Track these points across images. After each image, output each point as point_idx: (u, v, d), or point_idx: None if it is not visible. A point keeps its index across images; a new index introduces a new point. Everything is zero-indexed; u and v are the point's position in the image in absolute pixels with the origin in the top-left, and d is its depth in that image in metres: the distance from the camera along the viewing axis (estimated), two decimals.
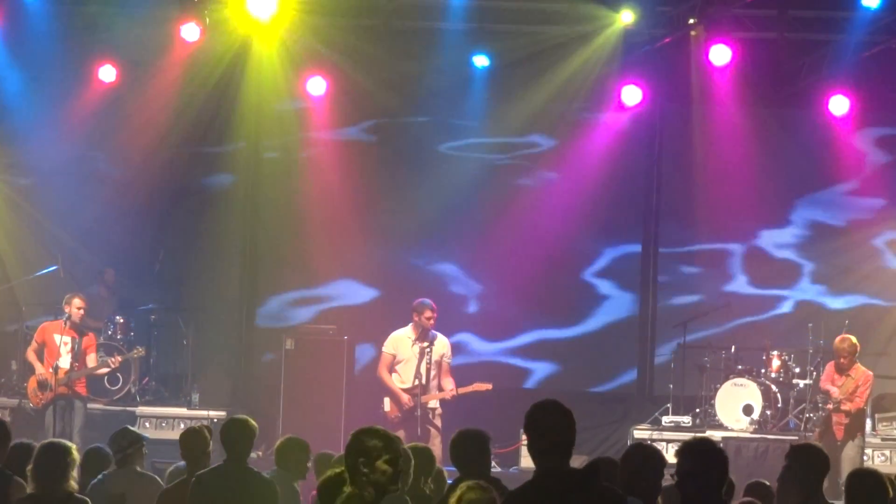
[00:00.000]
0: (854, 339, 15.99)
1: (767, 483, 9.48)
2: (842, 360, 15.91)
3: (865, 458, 16.42)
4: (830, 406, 15.94)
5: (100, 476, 10.01)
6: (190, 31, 17.56)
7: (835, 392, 15.88)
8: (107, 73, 18.80)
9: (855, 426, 15.87)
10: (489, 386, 15.69)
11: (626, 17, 18.32)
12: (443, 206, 19.85)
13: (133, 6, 18.16)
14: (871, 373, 16.02)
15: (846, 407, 15.77)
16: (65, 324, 16.41)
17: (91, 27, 18.50)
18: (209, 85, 19.18)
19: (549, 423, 6.55)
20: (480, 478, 7.73)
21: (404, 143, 20.15)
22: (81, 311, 16.47)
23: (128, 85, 18.95)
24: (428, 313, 15.53)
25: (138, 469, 10.21)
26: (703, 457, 6.74)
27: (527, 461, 14.61)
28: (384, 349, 15.82)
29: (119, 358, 17.04)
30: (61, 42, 18.46)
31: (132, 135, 19.21)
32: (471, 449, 8.54)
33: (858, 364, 15.99)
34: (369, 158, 20.13)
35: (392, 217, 19.95)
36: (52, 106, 18.91)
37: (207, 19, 17.53)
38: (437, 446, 15.00)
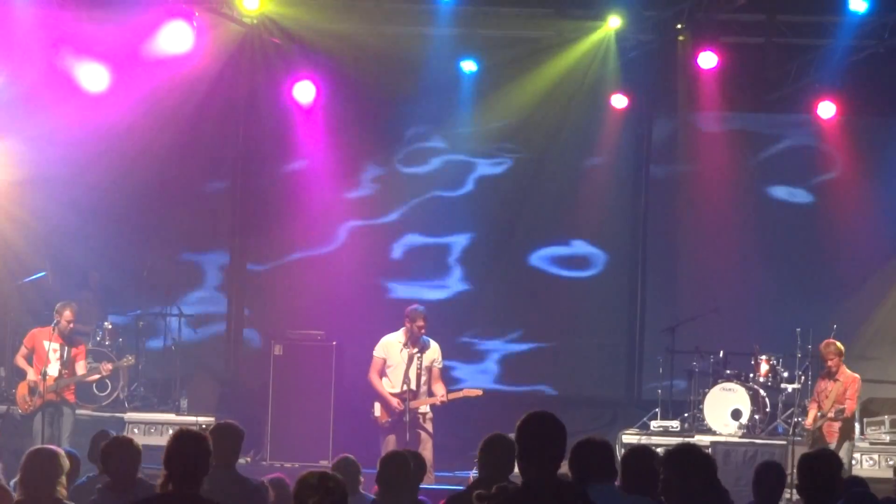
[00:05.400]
0: (838, 343, 15.96)
1: None
2: (827, 363, 15.92)
3: (854, 462, 16.42)
4: (812, 421, 15.89)
5: (83, 479, 9.95)
6: (179, 36, 17.51)
7: (809, 424, 15.94)
8: (95, 77, 18.75)
9: (846, 431, 15.82)
10: (479, 392, 15.65)
11: (613, 23, 18.35)
12: (433, 211, 19.95)
13: (121, 10, 18.14)
14: (857, 376, 15.99)
15: (833, 414, 15.73)
16: (53, 330, 16.38)
17: (80, 31, 18.48)
18: (197, 90, 19.17)
19: (541, 435, 6.52)
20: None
21: (393, 146, 20.18)
22: (71, 325, 16.41)
23: (116, 89, 18.90)
24: (420, 322, 15.50)
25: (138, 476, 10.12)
26: (682, 463, 6.72)
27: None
28: (375, 353, 15.77)
29: (109, 366, 16.98)
30: (51, 45, 18.42)
31: (121, 139, 19.18)
32: (501, 454, 8.54)
33: (845, 367, 15.95)
34: (360, 162, 20.18)
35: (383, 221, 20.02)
36: (39, 111, 18.86)
37: (195, 24, 17.50)
38: (428, 450, 15.00)
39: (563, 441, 6.54)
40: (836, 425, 15.76)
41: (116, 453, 8.62)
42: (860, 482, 9.09)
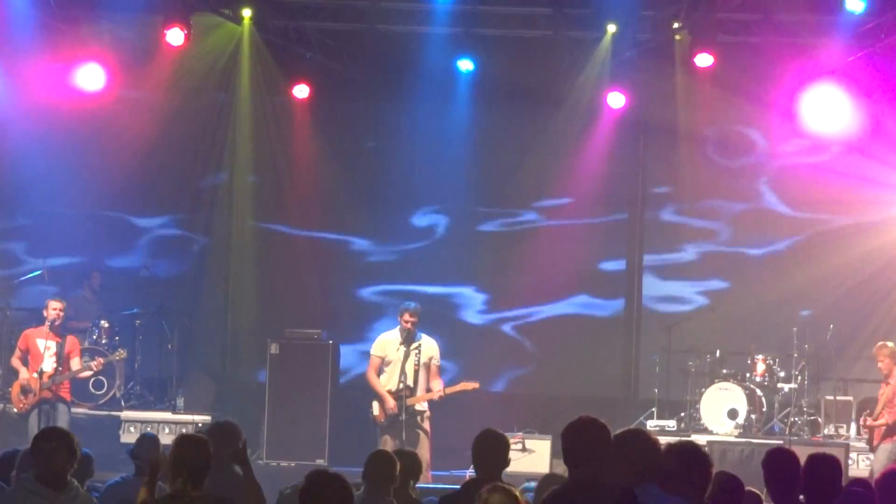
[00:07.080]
0: (890, 344, 15.87)
1: (757, 492, 9.42)
2: (879, 364, 15.89)
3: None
4: (869, 422, 15.86)
5: (117, 479, 9.93)
6: (175, 36, 17.52)
7: (865, 426, 15.99)
8: (94, 77, 18.76)
9: (891, 431, 15.73)
10: (476, 384, 15.62)
11: (610, 28, 18.43)
12: (429, 211, 19.95)
13: (118, 10, 18.14)
14: None
15: (883, 419, 15.66)
16: (48, 329, 16.38)
17: (77, 32, 18.49)
18: (195, 89, 19.20)
19: (589, 439, 6.54)
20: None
21: (387, 147, 20.17)
22: (57, 312, 16.41)
23: (114, 89, 18.91)
24: (406, 316, 15.50)
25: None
26: (686, 459, 6.72)
27: (512, 466, 14.56)
28: (372, 351, 15.79)
29: (101, 360, 16.99)
30: (48, 46, 18.43)
31: (119, 139, 19.19)
32: (493, 451, 8.52)
33: None
34: (352, 161, 20.18)
35: (378, 221, 20.03)
36: (37, 110, 18.86)
37: (193, 24, 17.50)
38: (425, 450, 14.99)
39: (609, 443, 6.55)
40: (882, 427, 15.70)
41: (46, 448, 8.32)
42: (860, 483, 9.06)
